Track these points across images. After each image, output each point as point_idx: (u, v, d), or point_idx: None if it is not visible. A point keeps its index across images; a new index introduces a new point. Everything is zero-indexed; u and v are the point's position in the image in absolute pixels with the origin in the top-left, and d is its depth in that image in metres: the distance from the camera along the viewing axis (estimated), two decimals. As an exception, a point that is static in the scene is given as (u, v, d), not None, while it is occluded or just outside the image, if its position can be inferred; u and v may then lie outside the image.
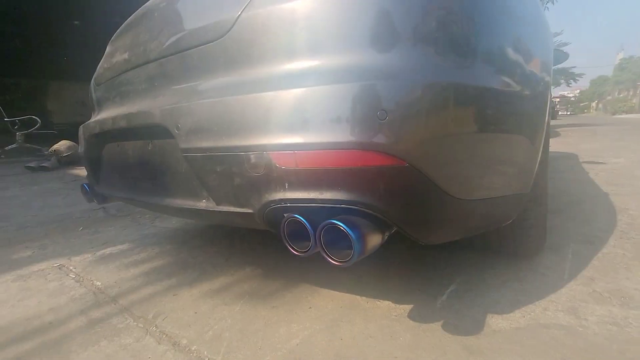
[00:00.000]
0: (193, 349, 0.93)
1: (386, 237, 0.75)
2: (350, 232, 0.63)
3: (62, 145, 4.30)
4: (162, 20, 0.94)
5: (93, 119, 1.32)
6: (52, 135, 5.42)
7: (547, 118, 1.10)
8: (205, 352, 0.91)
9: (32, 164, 4.03)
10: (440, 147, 0.67)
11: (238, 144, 0.71)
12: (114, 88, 1.13)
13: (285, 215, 0.72)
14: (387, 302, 1.12)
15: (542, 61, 0.99)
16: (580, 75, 33.80)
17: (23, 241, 2.14)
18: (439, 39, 0.66)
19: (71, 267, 1.60)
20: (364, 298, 1.15)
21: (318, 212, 0.71)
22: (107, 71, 1.19)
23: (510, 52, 0.82)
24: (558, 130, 10.74)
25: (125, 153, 1.09)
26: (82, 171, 4.36)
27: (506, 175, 0.87)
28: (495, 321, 0.99)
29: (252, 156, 0.70)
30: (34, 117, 4.87)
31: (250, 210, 0.77)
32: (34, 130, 4.82)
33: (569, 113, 64.95)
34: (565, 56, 3.03)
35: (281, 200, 0.71)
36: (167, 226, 2.23)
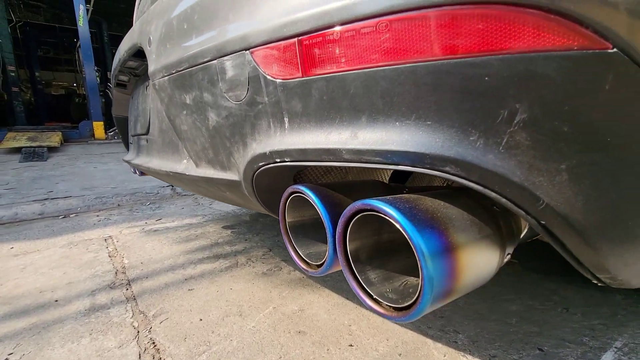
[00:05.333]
0: (173, 378, 0.65)
1: (505, 259, 0.34)
2: (412, 235, 0.24)
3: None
4: None
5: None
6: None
7: None
8: (184, 389, 0.62)
9: (131, 143, 4.50)
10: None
11: (205, 47, 0.38)
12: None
13: (291, 188, 0.36)
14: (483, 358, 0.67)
15: None
16: None
17: (98, 210, 2.25)
18: None
19: (116, 240, 1.53)
20: (439, 345, 0.72)
21: (352, 186, 0.33)
22: None
23: None
24: None
25: (137, 107, 0.87)
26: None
27: None
28: None
29: (227, 64, 0.37)
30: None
31: (235, 177, 0.44)
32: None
33: None
34: None
35: (277, 153, 0.36)
36: (221, 209, 2.10)
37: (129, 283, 1.08)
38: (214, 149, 0.46)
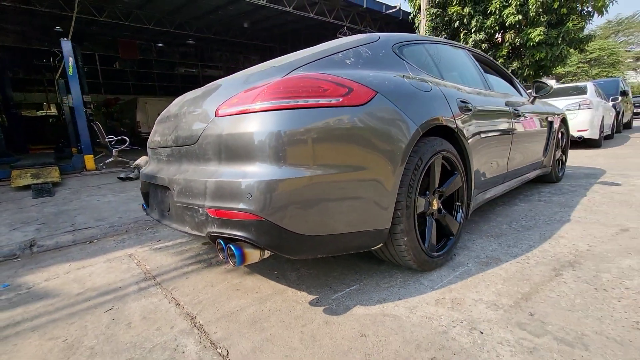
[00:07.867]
0: (185, 307, 1.70)
1: (265, 254, 1.41)
2: (234, 250, 1.31)
3: (142, 160, 5.67)
4: (173, 124, 1.73)
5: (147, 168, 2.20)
6: (137, 149, 6.95)
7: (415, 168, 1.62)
8: (190, 309, 1.67)
9: (121, 175, 5.38)
10: (285, 208, 1.30)
11: (194, 202, 1.43)
12: (155, 153, 1.98)
13: (218, 239, 1.42)
14: (303, 293, 1.75)
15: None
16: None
17: (113, 235, 3.20)
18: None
19: (137, 256, 2.52)
20: (292, 289, 1.80)
21: (230, 239, 1.40)
22: (152, 142, 2.05)
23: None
24: (630, 135, 9.64)
25: (156, 193, 1.91)
26: (156, 179, 5.68)
27: (349, 216, 1.44)
28: (358, 309, 1.56)
29: (199, 209, 1.41)
30: (124, 137, 6.44)
31: (203, 235, 1.49)
32: (125, 147, 6.39)
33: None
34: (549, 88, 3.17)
35: (213, 232, 1.41)
36: (201, 230, 3.10)
37: (154, 277, 2.09)
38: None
